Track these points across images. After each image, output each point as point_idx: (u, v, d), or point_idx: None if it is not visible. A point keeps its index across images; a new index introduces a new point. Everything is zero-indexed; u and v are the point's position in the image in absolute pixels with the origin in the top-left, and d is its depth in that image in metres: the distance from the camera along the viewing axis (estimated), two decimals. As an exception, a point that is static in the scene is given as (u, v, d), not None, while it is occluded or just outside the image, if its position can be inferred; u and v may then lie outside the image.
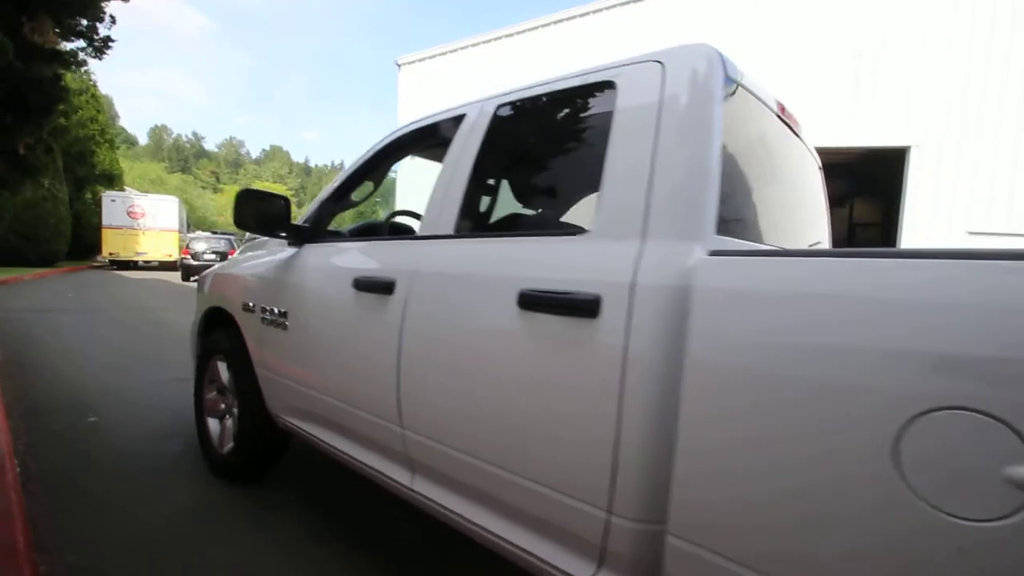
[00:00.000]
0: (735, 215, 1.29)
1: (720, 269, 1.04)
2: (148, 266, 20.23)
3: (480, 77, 12.94)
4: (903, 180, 9.61)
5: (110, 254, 18.93)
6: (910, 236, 9.51)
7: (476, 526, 1.44)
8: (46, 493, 2.31)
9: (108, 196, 19.33)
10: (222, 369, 2.68)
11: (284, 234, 2.15)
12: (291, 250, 2.28)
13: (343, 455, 1.93)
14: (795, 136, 1.68)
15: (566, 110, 1.52)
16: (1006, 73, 9.07)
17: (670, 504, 1.05)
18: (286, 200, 2.14)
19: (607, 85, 1.37)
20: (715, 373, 1.00)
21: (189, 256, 14.81)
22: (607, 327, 1.14)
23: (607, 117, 1.33)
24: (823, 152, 2.14)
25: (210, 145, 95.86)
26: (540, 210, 1.70)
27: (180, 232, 20.69)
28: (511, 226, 1.62)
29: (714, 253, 1.08)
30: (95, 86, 21.93)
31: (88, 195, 20.98)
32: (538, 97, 1.57)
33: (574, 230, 1.31)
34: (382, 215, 2.50)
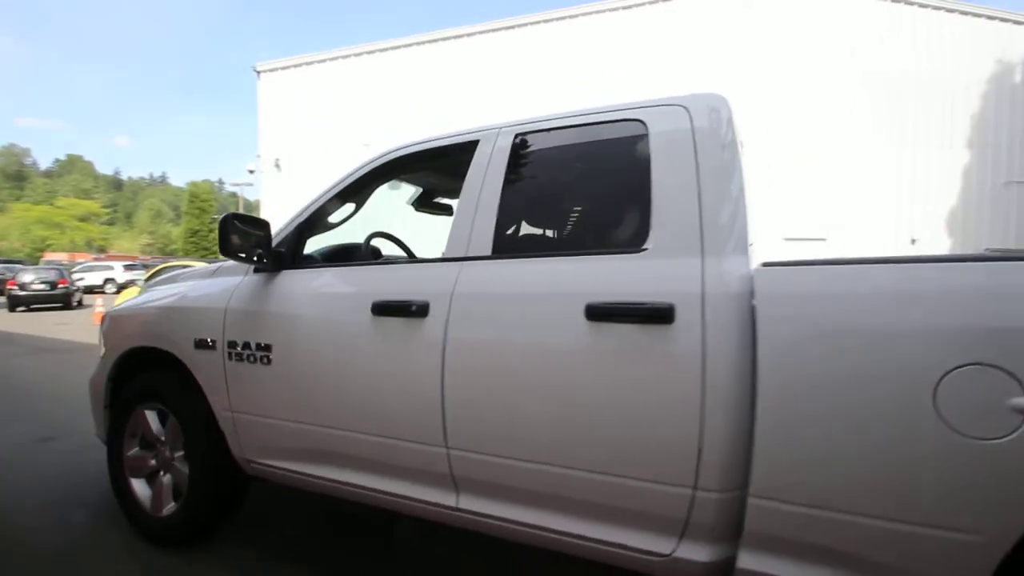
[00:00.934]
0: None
1: (776, 276, 1.30)
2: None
3: (353, 91, 12.53)
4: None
5: None
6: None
7: (535, 528, 1.52)
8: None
9: None
10: (151, 419, 2.32)
11: (264, 260, 1.97)
12: (256, 277, 2.09)
13: (353, 489, 1.84)
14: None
15: (590, 142, 1.69)
16: (812, 91, 11.31)
17: (752, 472, 1.27)
18: (267, 223, 1.98)
19: (634, 122, 1.58)
20: (784, 360, 1.24)
21: (16, 287, 14.53)
22: (683, 331, 1.32)
23: (640, 150, 1.53)
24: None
25: (-27, 154, 76.76)
26: (572, 231, 1.84)
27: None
28: (545, 247, 1.72)
29: (765, 264, 1.34)
30: None
31: None
32: (560, 128, 1.72)
33: (630, 248, 1.48)
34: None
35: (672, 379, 1.34)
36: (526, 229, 1.75)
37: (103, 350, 2.54)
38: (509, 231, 1.67)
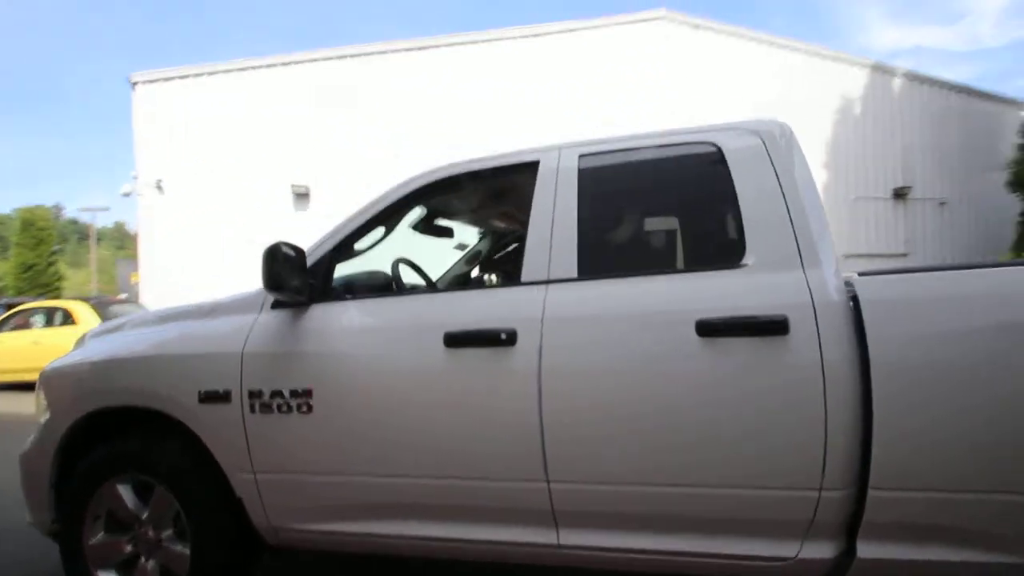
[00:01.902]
0: None
1: (882, 284, 1.41)
2: None
3: (250, 106, 11.63)
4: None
5: None
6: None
7: (646, 554, 1.49)
8: None
9: None
10: (125, 494, 1.92)
11: (297, 294, 1.73)
12: (277, 314, 1.83)
13: (422, 543, 1.66)
14: None
15: (663, 163, 1.72)
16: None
17: (872, 466, 1.35)
18: (303, 251, 1.75)
19: (708, 144, 1.64)
20: (896, 359, 1.34)
21: None
22: (799, 340, 1.38)
23: (719, 171, 1.59)
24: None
25: None
26: (659, 250, 1.83)
27: None
28: (633, 267, 1.70)
29: (862, 274, 1.45)
30: None
31: None
32: (627, 150, 1.73)
33: (728, 265, 1.52)
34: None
35: (793, 387, 1.38)
36: (605, 250, 1.72)
37: (45, 416, 2.06)
38: (591, 252, 1.63)
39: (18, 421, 5.12)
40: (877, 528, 1.37)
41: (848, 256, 11.23)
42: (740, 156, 1.59)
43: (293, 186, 12.05)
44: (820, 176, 12.69)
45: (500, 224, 2.66)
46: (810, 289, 1.42)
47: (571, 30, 12.48)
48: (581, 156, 1.73)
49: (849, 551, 1.41)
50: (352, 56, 12.19)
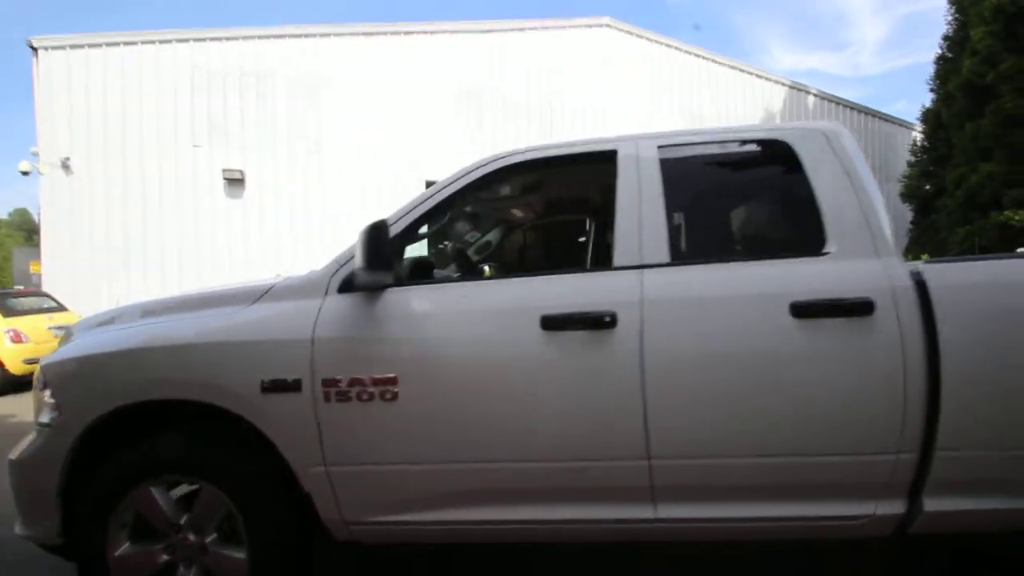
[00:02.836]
0: None
1: (948, 270, 1.60)
2: None
3: (171, 80, 10.61)
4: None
5: None
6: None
7: (737, 521, 1.60)
8: None
9: None
10: (160, 498, 1.75)
11: (392, 275, 1.65)
12: (348, 298, 1.74)
13: (511, 527, 1.66)
14: None
15: (738, 158, 1.82)
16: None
17: (939, 429, 1.52)
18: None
19: (779, 143, 1.77)
20: (963, 336, 1.53)
21: None
22: (883, 320, 1.53)
23: (792, 167, 1.72)
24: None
25: None
26: (745, 238, 1.91)
27: None
28: (722, 253, 1.77)
29: (929, 262, 1.63)
30: None
31: None
32: (703, 143, 1.83)
33: (813, 252, 1.64)
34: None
35: (878, 362, 1.53)
36: (692, 237, 1.79)
37: (50, 415, 1.81)
38: (680, 239, 1.70)
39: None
40: (942, 484, 1.55)
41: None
42: (811, 153, 1.73)
43: (225, 171, 11.16)
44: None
45: (572, 209, 2.68)
46: (889, 275, 1.57)
47: (520, 29, 12.58)
48: (659, 147, 1.80)
49: (914, 506, 1.58)
50: (293, 36, 11.48)
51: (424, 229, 1.97)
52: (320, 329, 1.69)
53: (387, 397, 1.64)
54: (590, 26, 13.09)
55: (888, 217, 1.70)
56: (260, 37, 11.39)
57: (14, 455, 1.85)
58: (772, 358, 1.56)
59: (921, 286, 1.57)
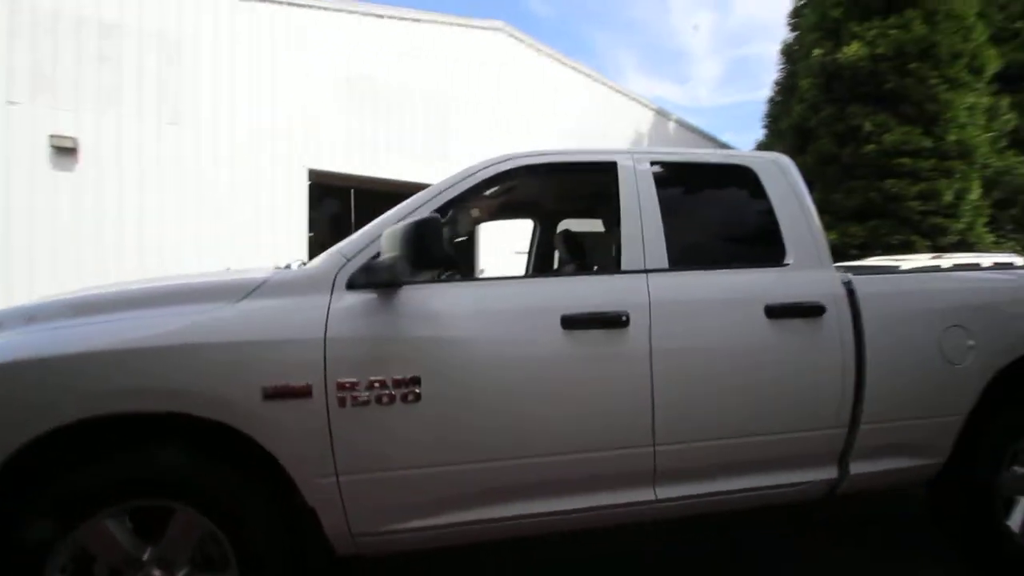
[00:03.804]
0: None
1: (871, 281, 2.00)
2: None
3: None
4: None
5: None
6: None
7: (722, 495, 1.85)
8: None
9: None
10: (119, 532, 1.52)
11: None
12: (361, 296, 1.66)
13: (520, 521, 1.72)
14: None
15: (715, 178, 2.12)
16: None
17: (863, 408, 1.92)
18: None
19: (745, 168, 2.08)
20: (880, 332, 1.94)
21: None
22: (832, 320, 1.89)
23: (756, 190, 2.04)
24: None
25: None
26: (722, 248, 2.14)
27: None
28: (707, 261, 1.99)
29: (856, 273, 2.03)
30: None
31: None
32: (688, 164, 2.08)
33: (776, 263, 1.96)
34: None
35: (827, 354, 1.89)
36: (684, 246, 2.00)
37: None
38: (674, 247, 1.90)
39: None
40: (863, 450, 1.95)
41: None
42: (770, 179, 2.06)
43: (52, 137, 9.24)
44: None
45: (574, 213, 2.75)
46: (832, 284, 1.94)
47: (416, 20, 12.32)
48: (651, 163, 1.99)
49: (843, 471, 1.97)
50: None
51: None
52: (333, 328, 1.58)
53: (409, 399, 1.60)
54: (485, 28, 13.26)
55: (824, 235, 2.09)
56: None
57: None
58: (753, 352, 1.84)
59: (851, 293, 1.96)
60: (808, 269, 2.04)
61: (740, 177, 2.16)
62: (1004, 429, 2.13)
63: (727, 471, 1.89)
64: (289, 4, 11.06)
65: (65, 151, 9.42)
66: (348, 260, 1.70)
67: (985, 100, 10.62)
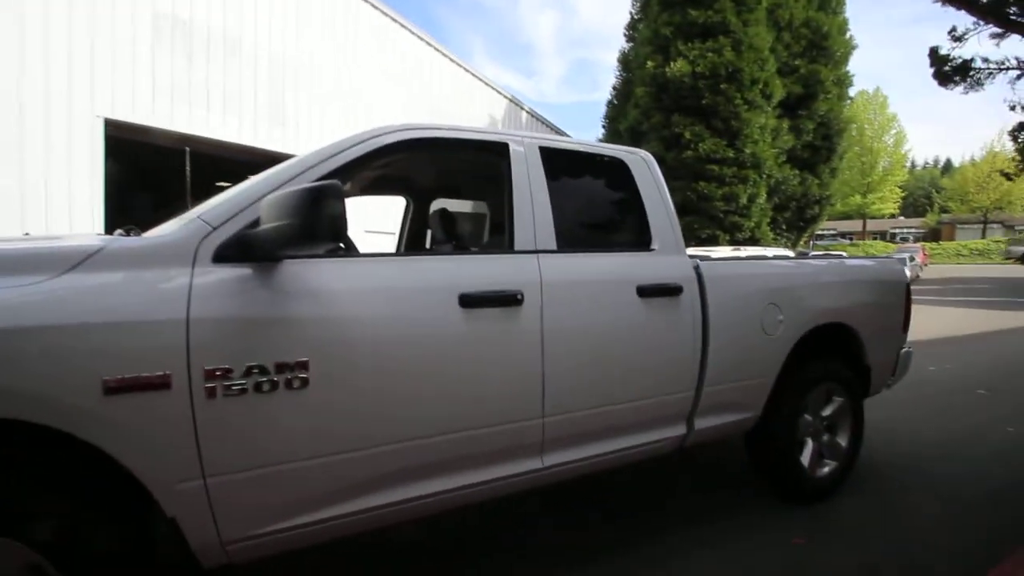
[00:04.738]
0: None
1: (713, 266, 2.32)
2: None
3: None
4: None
5: None
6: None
7: (599, 456, 2.02)
8: None
9: None
10: None
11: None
12: (231, 271, 1.43)
13: (411, 505, 1.68)
14: None
15: (594, 168, 2.22)
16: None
17: (705, 375, 2.25)
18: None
19: (619, 160, 2.26)
20: (720, 309, 2.26)
21: None
22: (687, 299, 2.14)
23: (627, 181, 2.23)
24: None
25: None
26: (600, 233, 2.21)
27: None
28: (588, 244, 2.06)
29: (701, 259, 2.33)
30: None
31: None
32: (570, 152, 2.16)
33: (645, 248, 2.16)
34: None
35: (682, 328, 2.14)
36: (568, 229, 2.07)
37: None
38: (560, 230, 1.99)
39: None
40: (704, 409, 2.28)
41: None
42: (639, 172, 2.26)
43: None
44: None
45: (465, 192, 2.59)
46: (685, 267, 2.21)
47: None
48: (540, 148, 2.05)
49: (689, 428, 2.29)
50: None
51: None
52: (198, 307, 1.35)
53: (295, 385, 1.44)
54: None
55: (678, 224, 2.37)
56: None
57: None
58: (628, 328, 2.01)
59: (700, 276, 2.26)
60: (669, 254, 2.32)
61: (615, 169, 2.35)
62: (797, 386, 2.68)
63: (603, 435, 2.07)
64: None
65: None
66: (214, 229, 1.45)
67: (772, 122, 13.03)
